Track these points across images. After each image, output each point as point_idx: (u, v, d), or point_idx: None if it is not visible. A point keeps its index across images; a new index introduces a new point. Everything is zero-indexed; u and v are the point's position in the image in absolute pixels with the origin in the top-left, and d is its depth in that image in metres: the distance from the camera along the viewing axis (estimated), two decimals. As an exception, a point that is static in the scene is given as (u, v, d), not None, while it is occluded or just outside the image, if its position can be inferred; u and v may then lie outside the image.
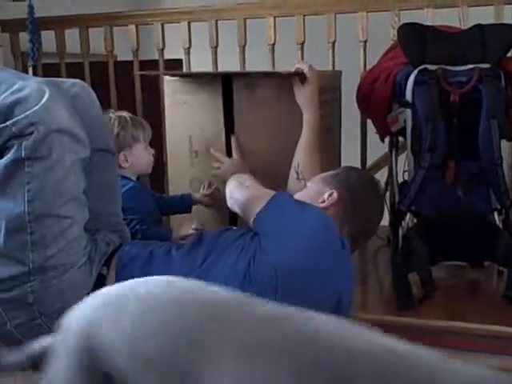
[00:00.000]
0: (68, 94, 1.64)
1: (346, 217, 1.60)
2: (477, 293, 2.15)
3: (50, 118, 1.47)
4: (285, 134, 2.06)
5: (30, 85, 1.50)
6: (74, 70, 3.04)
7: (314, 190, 1.67)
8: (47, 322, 1.55)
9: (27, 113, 1.45)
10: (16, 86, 1.50)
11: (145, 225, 2.01)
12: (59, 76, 2.98)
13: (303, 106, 1.99)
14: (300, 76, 1.99)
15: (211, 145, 2.14)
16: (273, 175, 1.98)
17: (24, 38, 3.15)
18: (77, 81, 1.76)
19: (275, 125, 2.09)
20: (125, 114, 2.18)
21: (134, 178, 2.17)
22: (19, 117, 1.45)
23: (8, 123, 1.45)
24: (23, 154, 1.46)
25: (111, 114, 2.15)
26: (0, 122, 1.46)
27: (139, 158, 2.15)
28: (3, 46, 3.10)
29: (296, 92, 2.00)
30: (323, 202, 1.60)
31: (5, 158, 1.47)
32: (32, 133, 1.45)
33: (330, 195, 1.61)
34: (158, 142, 2.71)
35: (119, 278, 1.62)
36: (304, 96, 1.98)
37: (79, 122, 1.57)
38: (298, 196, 1.65)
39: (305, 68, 1.99)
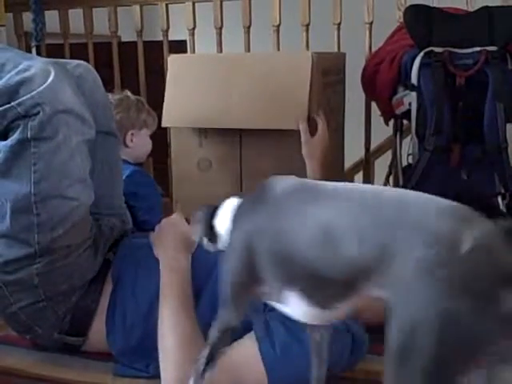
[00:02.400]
0: (72, 74, 1.63)
1: None
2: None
3: (55, 99, 1.46)
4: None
5: (36, 65, 1.49)
6: (78, 51, 3.03)
7: None
8: (52, 304, 1.55)
9: (32, 93, 1.44)
10: (21, 66, 1.48)
11: (152, 213, 2.01)
12: (63, 57, 2.97)
13: (307, 157, 1.95)
14: (311, 128, 1.96)
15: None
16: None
17: (27, 17, 3.14)
18: (81, 62, 1.75)
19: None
20: (142, 99, 2.28)
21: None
22: (24, 97, 1.44)
23: (13, 103, 1.44)
24: (29, 135, 1.45)
25: (129, 94, 2.24)
26: (5, 103, 1.45)
27: (143, 142, 2.23)
28: (6, 26, 3.08)
29: (303, 142, 1.95)
30: None
31: (10, 138, 1.47)
32: (38, 113, 1.44)
33: None
34: (160, 125, 2.71)
35: (122, 266, 1.63)
36: (310, 149, 1.94)
37: (84, 102, 1.56)
38: None
39: (320, 123, 1.96)
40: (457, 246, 0.79)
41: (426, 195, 0.92)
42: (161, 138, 2.69)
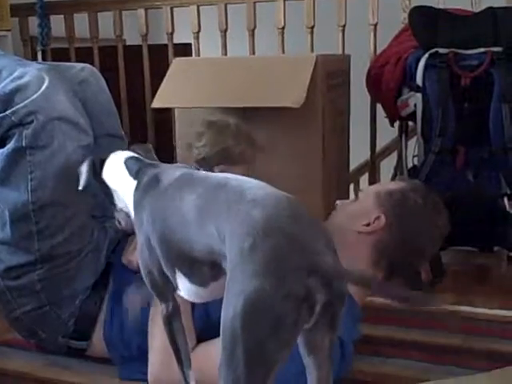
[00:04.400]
0: (76, 78, 1.64)
1: (389, 248, 1.45)
2: (486, 278, 2.15)
3: (49, 106, 1.46)
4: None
5: (30, 72, 1.49)
6: (83, 55, 3.04)
7: (363, 206, 1.49)
8: (56, 309, 1.56)
9: (26, 101, 1.45)
10: (16, 73, 1.49)
11: None
12: (68, 60, 2.98)
13: None
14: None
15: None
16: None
17: (33, 22, 3.15)
18: (86, 65, 1.75)
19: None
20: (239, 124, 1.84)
21: None
22: (18, 106, 1.45)
23: (7, 112, 1.45)
24: (24, 143, 1.46)
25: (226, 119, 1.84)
26: (1, 111, 1.46)
27: None
28: (12, 31, 3.09)
29: None
30: (367, 224, 1.45)
31: (6, 147, 1.48)
32: (32, 121, 1.45)
33: (377, 218, 1.44)
34: (167, 126, 2.71)
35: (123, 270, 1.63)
36: None
37: (81, 108, 1.56)
38: (345, 206, 1.54)
39: None
40: (270, 233, 0.87)
41: (268, 188, 1.02)
42: (167, 141, 2.70)
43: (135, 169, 1.28)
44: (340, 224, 1.49)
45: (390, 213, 1.43)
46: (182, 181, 1.15)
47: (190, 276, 1.09)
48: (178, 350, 1.21)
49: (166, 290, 1.18)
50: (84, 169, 1.33)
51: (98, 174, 1.34)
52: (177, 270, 1.10)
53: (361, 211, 1.48)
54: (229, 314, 0.87)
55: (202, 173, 1.19)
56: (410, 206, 1.44)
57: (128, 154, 1.35)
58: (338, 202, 1.60)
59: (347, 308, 1.38)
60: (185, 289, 1.13)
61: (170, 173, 1.20)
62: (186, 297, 1.15)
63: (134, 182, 1.25)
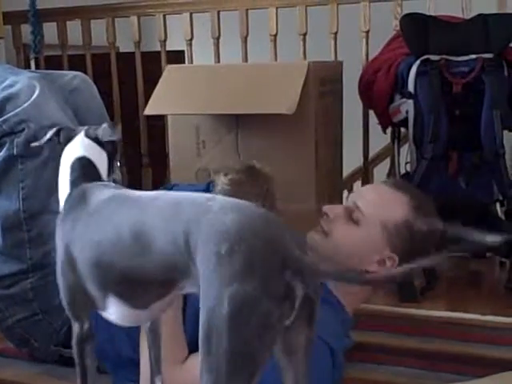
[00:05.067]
0: (68, 86, 1.64)
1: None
2: (479, 284, 2.16)
3: (40, 115, 1.47)
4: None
5: (21, 80, 1.50)
6: (76, 62, 3.04)
7: (369, 240, 1.38)
8: (48, 317, 1.55)
9: (17, 110, 1.45)
10: (7, 82, 1.49)
11: None
12: (61, 68, 2.98)
13: None
14: None
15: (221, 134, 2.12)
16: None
17: (26, 29, 3.15)
18: (78, 73, 1.76)
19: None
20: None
21: None
22: (9, 114, 1.45)
23: None
24: (15, 152, 1.46)
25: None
26: None
27: None
28: (5, 38, 3.09)
29: None
30: (380, 263, 1.37)
31: None
32: (23, 130, 1.45)
33: (389, 258, 1.37)
34: (160, 132, 2.72)
35: None
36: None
37: (72, 116, 1.57)
38: (347, 236, 1.40)
39: None
40: (245, 237, 0.88)
41: (228, 198, 1.01)
42: (160, 149, 2.71)
43: (74, 176, 1.19)
44: (344, 258, 1.38)
45: (400, 250, 1.37)
46: (118, 202, 1.10)
47: (129, 299, 1.05)
48: (85, 375, 1.17)
49: (84, 309, 1.13)
50: (48, 134, 1.25)
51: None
52: (110, 295, 1.06)
53: (368, 246, 1.38)
54: (211, 318, 0.86)
55: (137, 193, 1.11)
56: (417, 239, 1.38)
57: (83, 151, 1.22)
58: (324, 208, 1.49)
59: (337, 315, 1.39)
60: (117, 312, 1.09)
61: (101, 193, 1.13)
62: (115, 320, 1.11)
63: (67, 191, 1.18)
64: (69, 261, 1.10)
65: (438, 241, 1.45)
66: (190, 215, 0.96)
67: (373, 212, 1.38)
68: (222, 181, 1.86)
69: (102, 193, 1.13)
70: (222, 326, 0.85)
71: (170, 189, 1.76)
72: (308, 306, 0.90)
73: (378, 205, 1.39)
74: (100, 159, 1.22)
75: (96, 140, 1.22)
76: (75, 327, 1.15)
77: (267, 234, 0.90)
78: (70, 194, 1.17)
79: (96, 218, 1.09)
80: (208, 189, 1.95)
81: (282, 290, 0.86)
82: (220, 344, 0.85)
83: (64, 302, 1.14)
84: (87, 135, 1.22)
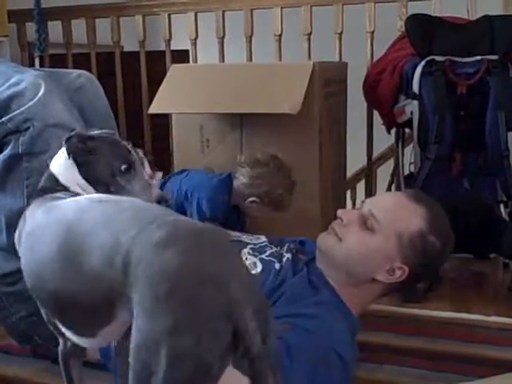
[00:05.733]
0: (73, 85, 1.64)
1: (402, 286, 1.41)
2: (482, 285, 2.15)
3: (45, 113, 1.47)
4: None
5: (27, 78, 1.50)
6: (81, 61, 3.05)
7: (383, 249, 1.36)
8: None
9: (22, 108, 1.45)
10: (13, 80, 1.49)
11: None
12: (66, 66, 2.99)
13: None
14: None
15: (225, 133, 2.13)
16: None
17: (31, 28, 3.15)
18: (82, 72, 1.75)
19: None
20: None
21: None
22: (15, 112, 1.45)
23: (4, 119, 1.45)
24: (20, 150, 1.46)
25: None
26: None
27: (256, 211, 1.94)
28: (10, 37, 3.10)
29: None
30: (389, 272, 1.36)
31: (3, 153, 1.48)
32: (28, 128, 1.45)
33: (399, 269, 1.36)
34: (165, 131, 2.72)
35: None
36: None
37: (77, 115, 1.56)
38: (361, 243, 1.38)
39: None
40: (186, 278, 0.81)
41: (174, 215, 0.94)
42: (164, 148, 2.71)
43: (34, 194, 1.19)
44: (355, 265, 1.39)
45: (412, 262, 1.36)
46: (50, 217, 1.05)
47: (72, 327, 1.00)
48: None
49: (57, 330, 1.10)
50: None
51: None
52: (57, 322, 1.02)
53: (380, 255, 1.36)
54: (146, 366, 0.81)
55: (70, 207, 1.04)
56: (429, 253, 1.37)
57: (56, 167, 1.19)
58: (339, 212, 1.46)
59: (347, 323, 1.38)
60: (73, 338, 1.04)
61: (36, 214, 1.09)
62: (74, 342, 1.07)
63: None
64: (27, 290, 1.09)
65: (446, 258, 1.46)
66: (129, 237, 0.87)
67: (388, 221, 1.37)
68: (247, 173, 1.86)
69: (40, 209, 1.09)
70: (157, 373, 0.80)
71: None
72: (249, 357, 0.84)
73: (394, 215, 1.38)
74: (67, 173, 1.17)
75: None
76: (60, 343, 1.13)
77: (213, 276, 0.82)
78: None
79: (30, 239, 1.06)
80: (229, 178, 1.94)
81: (225, 341, 0.81)
82: None
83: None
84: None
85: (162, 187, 1.91)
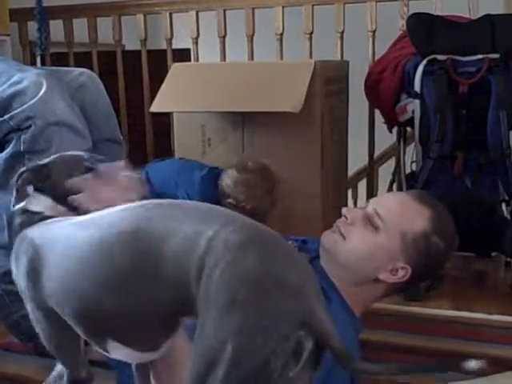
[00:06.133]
0: (74, 83, 1.64)
1: (404, 286, 1.40)
2: (484, 283, 2.15)
3: (47, 111, 1.47)
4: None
5: (28, 77, 1.50)
6: (82, 60, 3.05)
7: (386, 247, 1.36)
8: None
9: (24, 106, 1.45)
10: (14, 78, 1.50)
11: None
12: (67, 65, 2.99)
13: None
14: None
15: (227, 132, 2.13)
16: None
17: (32, 27, 3.16)
18: (84, 70, 1.76)
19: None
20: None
21: None
22: (16, 111, 1.45)
23: (6, 117, 1.46)
24: (22, 148, 1.46)
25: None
26: None
27: None
28: (11, 36, 3.10)
29: None
30: (392, 272, 1.36)
31: (5, 152, 1.48)
32: (30, 126, 1.45)
33: (402, 269, 1.35)
34: (166, 130, 2.72)
35: None
36: None
37: (78, 113, 1.57)
38: (364, 241, 1.38)
39: None
40: (266, 286, 0.81)
41: (242, 219, 0.92)
42: (165, 146, 2.71)
43: (16, 232, 1.13)
44: (358, 263, 1.38)
45: (415, 262, 1.36)
46: (89, 232, 0.97)
47: (134, 344, 0.96)
48: None
49: (79, 356, 1.05)
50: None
51: None
52: (110, 340, 0.96)
53: (383, 253, 1.36)
54: (205, 366, 0.81)
55: (119, 217, 0.96)
56: (434, 253, 1.36)
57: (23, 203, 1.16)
58: (344, 210, 1.45)
59: (353, 325, 1.38)
60: (122, 354, 0.99)
61: (52, 232, 1.03)
62: (121, 358, 1.02)
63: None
64: (48, 316, 1.02)
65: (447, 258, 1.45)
66: (206, 239, 0.85)
67: (393, 221, 1.36)
68: (233, 176, 1.88)
69: (54, 232, 1.02)
70: (218, 371, 0.80)
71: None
72: (315, 356, 0.84)
73: (399, 214, 1.37)
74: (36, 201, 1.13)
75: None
76: (67, 372, 1.07)
77: (291, 286, 0.82)
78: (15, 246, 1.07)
79: (65, 263, 0.96)
80: (214, 173, 1.96)
81: (293, 345, 0.80)
82: None
83: (52, 350, 1.06)
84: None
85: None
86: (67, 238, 0.98)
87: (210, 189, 1.94)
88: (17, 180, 1.13)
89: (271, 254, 0.85)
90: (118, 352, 0.98)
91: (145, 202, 0.98)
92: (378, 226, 1.36)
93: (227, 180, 1.94)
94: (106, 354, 1.00)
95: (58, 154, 1.19)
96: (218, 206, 0.97)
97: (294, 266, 0.85)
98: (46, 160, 1.16)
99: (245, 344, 0.79)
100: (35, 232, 1.05)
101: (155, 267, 0.87)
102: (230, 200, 1.91)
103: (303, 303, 0.82)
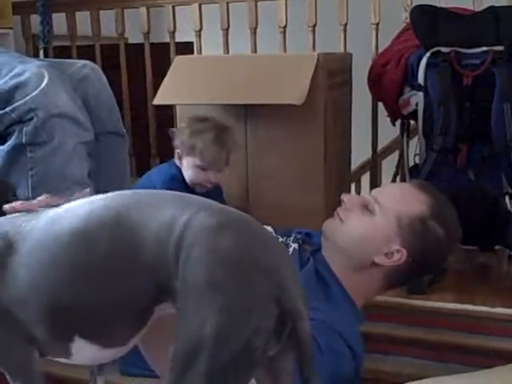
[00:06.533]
0: (77, 75, 1.64)
1: (402, 275, 1.40)
2: (487, 277, 2.15)
3: (49, 103, 1.47)
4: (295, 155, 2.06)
5: (30, 69, 1.50)
6: (85, 53, 3.04)
7: (381, 230, 1.37)
8: None
9: (26, 98, 1.45)
10: (16, 70, 1.50)
11: None
12: (70, 58, 2.97)
13: None
14: None
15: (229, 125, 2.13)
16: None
17: (35, 20, 3.15)
18: (87, 62, 1.76)
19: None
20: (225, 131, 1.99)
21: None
22: (18, 103, 1.45)
23: (7, 109, 1.46)
24: (24, 140, 1.47)
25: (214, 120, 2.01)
26: (1, 108, 1.46)
27: (186, 169, 1.98)
28: (14, 29, 3.10)
29: None
30: (387, 255, 1.37)
31: (7, 144, 1.49)
32: (32, 118, 1.45)
33: (397, 252, 1.36)
34: (169, 123, 2.72)
35: None
36: None
37: (81, 105, 1.57)
38: (360, 224, 1.40)
39: None
40: (243, 266, 0.83)
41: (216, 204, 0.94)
42: (168, 139, 2.70)
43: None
44: (354, 246, 1.40)
45: (411, 246, 1.36)
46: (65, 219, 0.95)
47: (103, 339, 0.93)
48: None
49: (30, 365, 0.97)
50: None
51: None
52: (77, 338, 0.92)
53: (379, 236, 1.37)
54: (191, 340, 0.82)
55: (96, 207, 0.94)
56: (431, 239, 1.37)
57: None
58: (343, 196, 1.47)
59: (355, 316, 1.38)
60: (86, 355, 0.96)
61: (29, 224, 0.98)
62: (82, 362, 0.99)
63: None
64: (6, 319, 0.93)
65: (448, 255, 1.46)
66: (181, 223, 0.86)
67: (390, 204, 1.38)
68: (185, 132, 1.89)
69: (31, 224, 0.97)
70: (203, 349, 0.81)
71: None
72: (295, 337, 0.85)
73: (397, 199, 1.39)
74: None
75: None
76: None
77: (266, 265, 0.84)
78: None
79: (28, 260, 0.92)
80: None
81: (271, 325, 0.82)
82: (198, 367, 0.81)
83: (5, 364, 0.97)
84: None
85: None
86: (45, 230, 0.95)
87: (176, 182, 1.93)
88: None
89: (246, 237, 0.87)
90: (82, 353, 0.95)
91: (122, 191, 0.99)
92: (375, 210, 1.38)
93: (184, 136, 1.95)
94: (66, 360, 0.97)
95: None
96: (193, 195, 0.99)
97: (269, 247, 0.88)
98: None
99: (226, 323, 0.80)
100: (7, 225, 1.00)
101: (134, 254, 0.87)
102: (186, 151, 1.94)
103: (279, 282, 0.84)
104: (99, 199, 0.96)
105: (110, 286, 0.89)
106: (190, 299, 0.83)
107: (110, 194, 0.97)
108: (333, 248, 1.43)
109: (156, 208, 0.90)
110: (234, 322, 0.81)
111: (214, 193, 2.02)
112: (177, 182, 1.94)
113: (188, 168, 1.96)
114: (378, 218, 1.38)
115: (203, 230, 0.85)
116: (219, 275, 0.82)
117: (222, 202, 2.00)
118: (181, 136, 1.95)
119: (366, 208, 1.40)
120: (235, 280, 0.82)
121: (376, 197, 1.41)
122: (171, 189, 1.87)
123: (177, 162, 1.99)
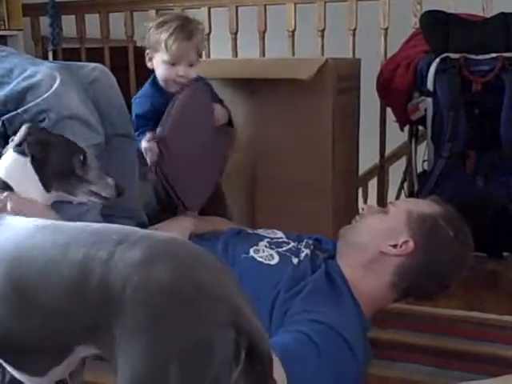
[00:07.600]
0: (87, 78, 1.64)
1: (411, 273, 1.41)
2: (495, 283, 2.14)
3: (60, 105, 1.47)
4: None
5: (42, 70, 1.50)
6: (94, 55, 3.05)
7: (392, 224, 1.42)
8: None
9: (38, 100, 1.45)
10: (28, 72, 1.50)
11: None
12: (79, 61, 2.99)
13: None
14: None
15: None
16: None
17: (45, 22, 3.17)
18: (97, 65, 1.76)
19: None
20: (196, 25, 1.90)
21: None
22: (30, 104, 1.46)
23: (19, 111, 1.46)
24: None
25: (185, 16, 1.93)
26: (13, 109, 1.47)
27: (156, 69, 1.88)
28: (24, 31, 3.11)
29: None
30: (394, 246, 1.39)
31: None
32: (43, 120, 1.45)
33: (405, 243, 1.39)
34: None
35: None
36: None
37: (92, 107, 1.57)
38: (373, 219, 1.46)
39: None
40: (182, 296, 0.76)
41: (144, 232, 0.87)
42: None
43: None
44: (365, 238, 1.45)
45: (419, 239, 1.38)
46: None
47: (21, 367, 0.91)
48: None
49: None
50: None
51: None
52: (1, 361, 0.92)
53: (389, 229, 1.42)
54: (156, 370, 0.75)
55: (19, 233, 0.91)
56: (440, 236, 1.38)
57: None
58: (364, 206, 1.59)
59: (359, 320, 1.38)
60: (17, 375, 0.94)
61: None
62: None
63: None
64: None
65: (461, 265, 1.46)
66: (99, 264, 0.78)
67: (402, 203, 1.52)
68: (152, 26, 1.84)
69: None
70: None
71: None
72: (257, 359, 0.80)
73: (410, 201, 1.54)
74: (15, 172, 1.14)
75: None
76: None
77: (212, 288, 0.78)
78: None
79: None
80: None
81: (233, 348, 0.76)
82: None
83: None
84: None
85: None
86: None
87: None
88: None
89: (179, 260, 0.80)
90: (13, 372, 0.94)
91: (29, 223, 0.94)
92: (389, 210, 1.47)
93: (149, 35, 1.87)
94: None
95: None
96: (109, 224, 0.92)
97: (208, 267, 0.81)
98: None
99: (189, 360, 0.74)
100: None
101: (34, 300, 0.82)
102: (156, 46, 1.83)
103: (230, 303, 0.78)
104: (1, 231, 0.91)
105: (13, 322, 0.86)
106: (136, 344, 0.75)
107: (15, 227, 0.93)
108: (345, 244, 1.49)
109: (62, 249, 0.83)
110: (198, 358, 0.73)
111: (198, 86, 1.88)
112: (150, 97, 1.87)
113: (158, 66, 1.85)
114: (389, 215, 1.46)
115: (129, 267, 0.77)
116: (163, 310, 0.74)
117: (214, 95, 1.93)
118: (146, 34, 1.86)
119: (383, 212, 1.49)
120: (183, 312, 0.75)
121: (393, 202, 1.53)
122: (149, 104, 1.82)
123: (148, 64, 1.90)
